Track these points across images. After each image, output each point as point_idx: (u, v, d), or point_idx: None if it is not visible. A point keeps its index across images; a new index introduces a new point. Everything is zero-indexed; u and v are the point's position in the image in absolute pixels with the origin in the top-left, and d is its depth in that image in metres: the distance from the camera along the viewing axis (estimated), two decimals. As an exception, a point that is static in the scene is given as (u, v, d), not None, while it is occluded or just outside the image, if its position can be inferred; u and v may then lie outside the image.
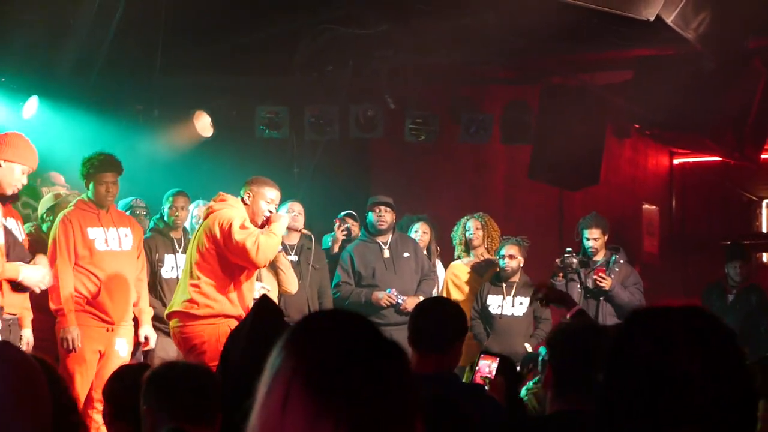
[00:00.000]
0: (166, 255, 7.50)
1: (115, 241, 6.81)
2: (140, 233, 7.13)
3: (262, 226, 6.37)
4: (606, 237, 8.33)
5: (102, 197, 6.77)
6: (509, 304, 8.16)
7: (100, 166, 6.75)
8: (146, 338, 6.96)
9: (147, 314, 7.02)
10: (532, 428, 3.34)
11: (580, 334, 3.28)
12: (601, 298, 8.18)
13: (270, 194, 6.46)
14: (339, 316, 1.58)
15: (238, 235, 6.11)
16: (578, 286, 8.24)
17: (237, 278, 6.34)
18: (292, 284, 7.44)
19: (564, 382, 3.10)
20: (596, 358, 3.14)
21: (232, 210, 6.27)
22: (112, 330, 6.75)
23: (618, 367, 1.69)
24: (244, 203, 6.42)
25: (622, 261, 8.33)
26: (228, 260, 6.25)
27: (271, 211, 6.45)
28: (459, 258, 8.70)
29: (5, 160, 5.91)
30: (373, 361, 1.49)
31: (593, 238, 8.23)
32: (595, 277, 8.14)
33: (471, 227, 8.60)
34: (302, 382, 1.46)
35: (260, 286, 6.96)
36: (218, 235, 6.19)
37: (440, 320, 3.98)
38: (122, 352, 6.80)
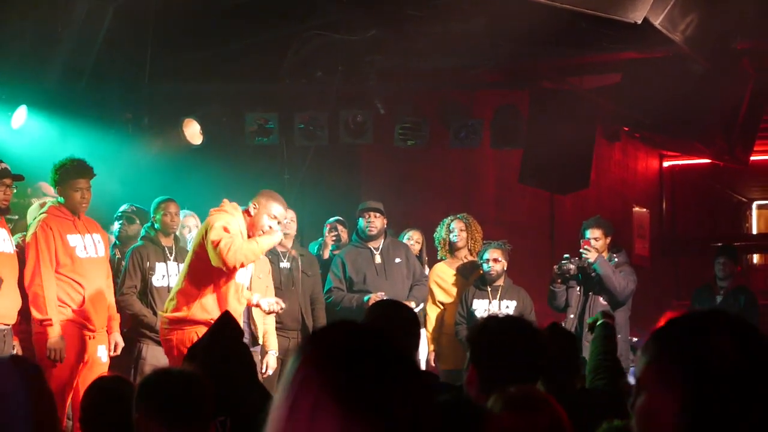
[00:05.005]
0: (157, 263, 7.45)
1: (91, 248, 6.75)
2: (107, 238, 7.11)
3: None
4: (608, 239, 8.34)
5: (77, 203, 6.69)
6: (495, 308, 8.16)
7: (73, 172, 6.66)
8: (115, 345, 6.89)
9: (116, 321, 6.98)
10: None
11: (503, 331, 3.27)
12: (590, 293, 8.18)
13: (275, 210, 6.41)
14: (358, 330, 1.58)
15: (214, 233, 6.12)
16: (577, 290, 8.24)
17: (216, 284, 6.34)
18: None
19: (488, 380, 3.10)
20: (521, 354, 3.15)
21: (223, 215, 6.27)
22: (94, 337, 6.72)
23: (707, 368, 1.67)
24: (248, 214, 6.40)
25: (617, 259, 8.35)
26: (208, 264, 6.25)
27: (271, 227, 6.40)
28: (443, 259, 8.70)
29: None
30: (402, 376, 1.52)
31: (594, 237, 8.25)
32: (581, 249, 8.16)
33: (455, 228, 8.60)
34: (332, 395, 1.47)
35: (274, 300, 6.89)
36: (203, 238, 6.25)
37: (394, 325, 3.96)
38: (104, 358, 6.78)
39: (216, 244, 6.08)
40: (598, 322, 4.70)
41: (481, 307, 8.19)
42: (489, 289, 8.24)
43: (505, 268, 8.28)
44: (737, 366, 1.64)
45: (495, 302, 8.20)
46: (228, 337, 3.81)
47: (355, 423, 1.45)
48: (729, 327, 1.69)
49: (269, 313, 7.01)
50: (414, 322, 4.31)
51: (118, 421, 3.70)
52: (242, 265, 6.25)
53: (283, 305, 6.97)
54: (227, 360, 3.72)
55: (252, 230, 6.34)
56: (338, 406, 1.46)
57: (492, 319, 3.42)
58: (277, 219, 6.41)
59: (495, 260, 8.19)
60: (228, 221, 6.21)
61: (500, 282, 8.24)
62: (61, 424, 3.10)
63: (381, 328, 1.58)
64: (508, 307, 8.18)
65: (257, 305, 6.86)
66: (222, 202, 6.40)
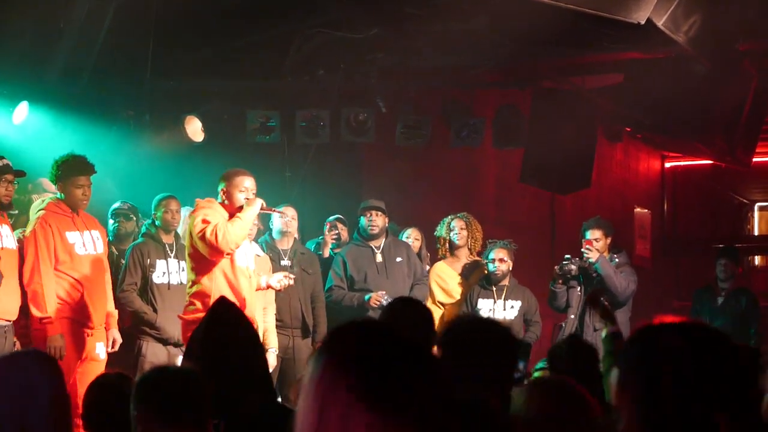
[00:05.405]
0: (157, 260, 7.44)
1: (90, 245, 6.75)
2: (105, 235, 7.10)
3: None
4: (608, 240, 8.33)
5: (78, 200, 6.69)
6: (500, 308, 8.16)
7: (75, 169, 6.66)
8: (113, 341, 6.89)
9: (114, 317, 6.97)
10: None
11: (469, 331, 3.26)
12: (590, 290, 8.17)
13: (244, 183, 6.44)
14: (380, 330, 1.57)
15: (196, 229, 6.19)
16: (578, 291, 8.23)
17: (224, 276, 6.34)
18: None
19: (457, 381, 3.09)
20: (488, 354, 3.14)
21: (200, 210, 6.32)
22: (92, 334, 6.71)
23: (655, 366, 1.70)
24: (223, 204, 6.42)
25: (618, 259, 8.33)
26: (208, 262, 6.26)
27: (247, 199, 6.42)
28: (443, 258, 8.70)
29: None
30: (431, 374, 1.52)
31: (594, 238, 8.24)
32: (582, 249, 8.14)
33: (456, 227, 8.60)
34: (363, 398, 1.46)
35: (282, 275, 6.93)
36: (191, 239, 6.30)
37: (410, 323, 3.93)
38: (102, 355, 6.77)
39: (203, 237, 6.12)
40: (605, 333, 4.57)
41: (486, 307, 8.19)
42: (494, 288, 8.24)
43: (511, 268, 8.28)
44: (686, 376, 1.67)
45: (500, 302, 8.20)
46: (225, 323, 3.68)
47: (390, 424, 1.45)
48: (679, 337, 1.70)
49: (280, 289, 7.03)
50: (429, 321, 4.28)
51: (120, 418, 3.69)
52: (237, 246, 6.27)
53: (293, 276, 7.03)
54: (225, 348, 3.59)
55: (234, 213, 6.38)
56: (371, 409, 1.45)
57: (458, 320, 3.41)
58: (249, 190, 6.43)
59: (501, 260, 8.20)
60: (206, 213, 6.27)
61: (505, 282, 8.25)
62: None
63: (400, 327, 1.57)
64: (512, 307, 8.19)
65: (268, 286, 6.89)
66: (195, 204, 6.44)
